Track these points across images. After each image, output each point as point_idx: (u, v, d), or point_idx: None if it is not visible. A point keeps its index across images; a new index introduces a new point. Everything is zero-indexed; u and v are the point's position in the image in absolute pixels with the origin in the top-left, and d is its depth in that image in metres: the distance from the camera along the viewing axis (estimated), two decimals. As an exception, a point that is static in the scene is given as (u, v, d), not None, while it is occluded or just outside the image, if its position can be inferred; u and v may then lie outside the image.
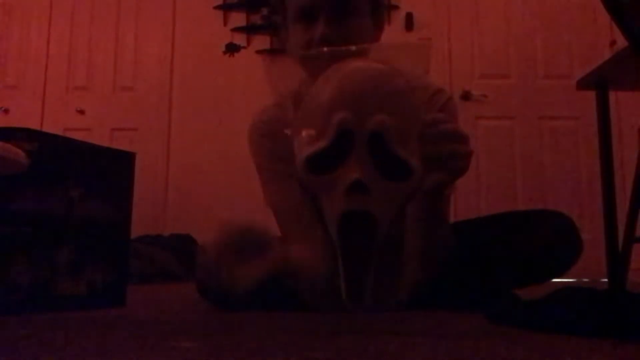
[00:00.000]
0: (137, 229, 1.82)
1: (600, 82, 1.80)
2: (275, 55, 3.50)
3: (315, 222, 1.11)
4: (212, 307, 1.15)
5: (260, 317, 0.99)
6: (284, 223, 1.17)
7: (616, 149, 1.95)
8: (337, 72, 0.79)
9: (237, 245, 0.78)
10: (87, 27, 3.77)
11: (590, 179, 3.07)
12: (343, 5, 1.07)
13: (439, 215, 0.99)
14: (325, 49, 0.89)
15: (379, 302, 0.79)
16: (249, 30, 3.59)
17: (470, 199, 3.12)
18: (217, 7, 3.63)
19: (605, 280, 1.80)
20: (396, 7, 3.47)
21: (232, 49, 3.60)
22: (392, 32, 3.39)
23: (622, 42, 1.51)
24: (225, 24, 3.63)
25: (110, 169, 1.25)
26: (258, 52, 3.56)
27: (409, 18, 3.46)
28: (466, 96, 3.35)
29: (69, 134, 3.03)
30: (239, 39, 3.61)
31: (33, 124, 3.42)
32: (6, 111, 3.72)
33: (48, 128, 3.39)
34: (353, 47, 0.86)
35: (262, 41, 3.56)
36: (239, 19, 3.62)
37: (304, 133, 0.78)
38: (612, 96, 1.91)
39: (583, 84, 1.86)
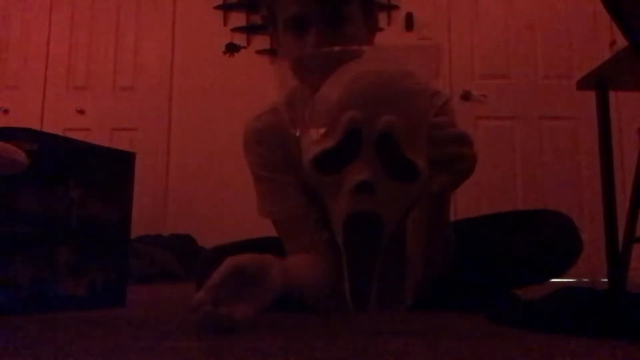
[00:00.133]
0: (137, 229, 1.82)
1: (600, 82, 1.79)
2: (276, 55, 3.50)
3: (316, 231, 1.11)
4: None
5: (260, 317, 0.98)
6: (283, 234, 1.16)
7: (616, 149, 1.95)
8: (348, 72, 0.79)
9: (234, 284, 0.77)
10: (87, 27, 3.77)
11: (590, 179, 3.07)
12: (333, 14, 1.03)
13: (442, 217, 0.99)
14: (325, 49, 0.89)
15: (383, 304, 0.79)
16: (249, 30, 3.59)
17: (470, 199, 3.12)
18: (217, 7, 3.63)
19: (605, 280, 1.80)
20: (396, 7, 3.47)
21: (232, 49, 3.60)
22: (392, 32, 3.39)
23: (622, 42, 1.52)
24: (225, 24, 3.63)
25: (110, 169, 1.25)
26: (258, 52, 3.56)
27: (409, 18, 3.46)
28: (466, 96, 3.35)
29: (69, 134, 3.03)
30: (239, 39, 3.61)
31: (33, 124, 3.42)
32: (6, 111, 3.72)
33: (48, 128, 3.39)
34: (352, 48, 0.86)
35: (262, 41, 3.56)
36: (239, 19, 3.62)
37: (312, 132, 0.78)
38: (612, 96, 1.91)
39: (583, 84, 1.86)
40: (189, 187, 3.54)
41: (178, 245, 3.13)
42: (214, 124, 3.52)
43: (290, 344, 0.68)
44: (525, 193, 3.31)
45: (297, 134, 0.83)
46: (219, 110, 3.54)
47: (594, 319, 0.73)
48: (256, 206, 1.18)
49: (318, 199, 0.79)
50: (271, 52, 3.52)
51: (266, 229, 1.22)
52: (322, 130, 0.77)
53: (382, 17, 3.44)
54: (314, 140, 0.77)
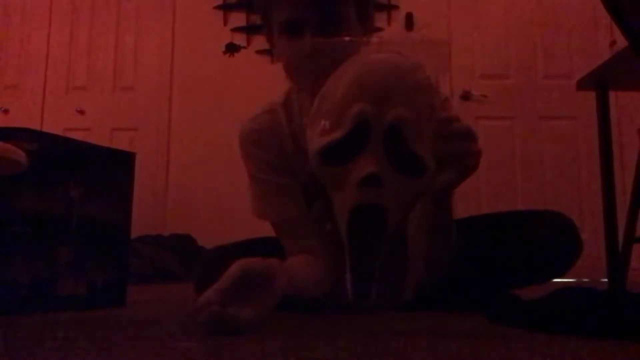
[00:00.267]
0: (137, 229, 1.82)
1: (600, 82, 1.79)
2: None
3: (315, 231, 1.11)
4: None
5: (265, 319, 0.98)
6: (281, 235, 1.16)
7: (616, 149, 1.95)
8: (356, 64, 0.78)
9: (241, 287, 0.77)
10: (87, 27, 3.77)
11: (590, 179, 3.07)
12: (327, 18, 1.02)
13: (446, 214, 0.99)
14: (324, 40, 0.88)
15: (385, 299, 0.78)
16: (249, 30, 3.59)
17: (470, 199, 3.12)
18: (217, 7, 3.63)
19: (605, 280, 1.80)
20: (396, 7, 3.47)
21: (232, 49, 3.60)
22: (392, 32, 3.39)
23: (622, 42, 1.51)
24: (225, 24, 3.63)
25: (110, 169, 1.25)
26: (258, 52, 3.55)
27: (409, 18, 3.46)
28: (466, 96, 3.34)
29: (69, 134, 3.03)
30: (239, 39, 3.61)
31: (33, 124, 3.42)
32: (6, 111, 3.72)
33: (48, 128, 3.39)
34: (347, 39, 0.86)
35: (262, 41, 3.51)
36: (239, 19, 3.62)
37: (320, 123, 0.77)
38: (612, 96, 1.91)
39: (583, 84, 1.86)
40: (189, 187, 3.53)
41: (178, 245, 3.13)
42: (214, 124, 3.52)
43: (290, 344, 0.68)
44: (525, 193, 3.30)
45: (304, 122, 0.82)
46: (219, 110, 3.54)
47: (594, 319, 0.73)
48: (250, 206, 1.18)
49: (323, 191, 0.79)
50: (271, 52, 3.52)
51: (266, 229, 1.22)
52: (329, 122, 0.76)
53: (382, 17, 3.44)
54: (321, 131, 0.77)
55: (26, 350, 0.64)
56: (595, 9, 3.19)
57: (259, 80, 3.34)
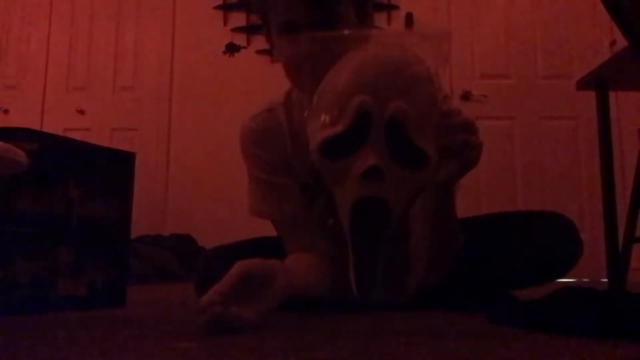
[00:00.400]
0: (137, 229, 1.82)
1: (600, 82, 1.79)
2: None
3: (315, 231, 1.12)
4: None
5: (265, 320, 0.98)
6: (282, 234, 1.16)
7: (616, 149, 1.95)
8: (356, 57, 0.78)
9: (242, 288, 0.77)
10: (87, 27, 3.77)
11: (590, 179, 3.07)
12: (325, 18, 1.01)
13: (447, 208, 0.99)
14: (326, 33, 0.88)
15: (388, 293, 0.78)
16: (249, 30, 3.59)
17: (470, 199, 3.12)
18: (217, 7, 3.63)
19: (605, 280, 1.80)
20: (396, 7, 3.47)
21: (232, 49, 3.60)
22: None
23: (622, 42, 1.51)
24: (225, 24, 3.63)
25: (110, 169, 1.25)
26: (258, 52, 3.55)
27: (409, 18, 3.46)
28: (466, 96, 3.34)
29: (69, 134, 3.03)
30: (239, 39, 3.61)
31: (33, 124, 3.42)
32: (6, 111, 3.72)
33: (48, 128, 3.39)
34: (345, 32, 0.85)
35: (262, 41, 3.53)
36: (239, 19, 3.62)
37: (320, 117, 0.77)
38: (612, 96, 1.91)
39: (583, 84, 1.86)
40: (189, 187, 3.53)
41: (178, 245, 3.13)
42: (214, 124, 3.52)
43: (290, 344, 0.68)
44: (525, 193, 3.30)
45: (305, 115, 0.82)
46: (218, 110, 3.54)
47: (594, 319, 0.73)
48: (248, 205, 1.18)
49: (324, 186, 0.78)
50: (271, 52, 3.52)
51: (266, 229, 1.22)
52: (330, 116, 0.76)
53: (382, 17, 3.44)
54: (322, 125, 0.76)
55: (26, 350, 0.64)
56: (595, 9, 3.18)
57: (259, 81, 3.34)
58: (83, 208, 1.17)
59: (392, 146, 0.73)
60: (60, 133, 3.11)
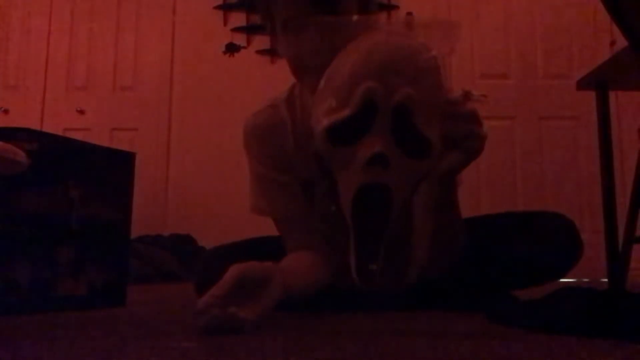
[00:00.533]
0: (137, 229, 1.82)
1: (600, 82, 1.79)
2: (275, 55, 3.50)
3: (315, 229, 1.11)
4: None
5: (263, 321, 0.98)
6: (282, 231, 1.16)
7: (616, 149, 1.94)
8: (363, 43, 0.78)
9: (239, 291, 0.77)
10: (87, 27, 3.77)
11: (590, 179, 3.07)
12: (330, 15, 1.00)
13: (450, 199, 0.99)
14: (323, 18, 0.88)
15: (389, 281, 0.78)
16: (249, 30, 3.59)
17: (471, 199, 3.12)
18: (217, 7, 3.63)
19: (605, 280, 1.80)
20: (396, 7, 3.47)
21: (232, 49, 3.60)
22: (392, 32, 3.39)
23: (622, 42, 1.51)
24: (225, 24, 3.63)
25: (110, 169, 1.25)
26: (258, 52, 3.56)
27: (409, 18, 3.46)
28: (466, 96, 3.34)
29: (69, 134, 3.03)
30: (239, 39, 3.61)
31: (33, 124, 3.42)
32: (6, 111, 3.71)
33: (48, 128, 3.39)
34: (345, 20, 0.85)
35: (262, 41, 3.56)
36: (239, 19, 3.62)
37: (326, 101, 0.77)
38: (612, 96, 1.90)
39: (583, 84, 1.85)
40: (189, 187, 3.53)
41: (178, 245, 3.13)
42: (214, 124, 3.52)
43: (290, 344, 0.68)
44: (525, 193, 3.30)
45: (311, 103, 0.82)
46: (219, 110, 3.54)
47: (594, 319, 0.73)
48: (249, 202, 1.18)
49: (327, 171, 0.78)
50: (271, 52, 3.52)
51: (266, 229, 1.22)
52: (336, 101, 0.75)
53: (382, 18, 3.43)
54: (328, 110, 0.76)
55: (26, 350, 0.64)
56: (595, 9, 3.19)
57: (259, 80, 3.35)
58: (83, 208, 1.17)
59: (397, 133, 0.73)
60: (60, 133, 3.11)
